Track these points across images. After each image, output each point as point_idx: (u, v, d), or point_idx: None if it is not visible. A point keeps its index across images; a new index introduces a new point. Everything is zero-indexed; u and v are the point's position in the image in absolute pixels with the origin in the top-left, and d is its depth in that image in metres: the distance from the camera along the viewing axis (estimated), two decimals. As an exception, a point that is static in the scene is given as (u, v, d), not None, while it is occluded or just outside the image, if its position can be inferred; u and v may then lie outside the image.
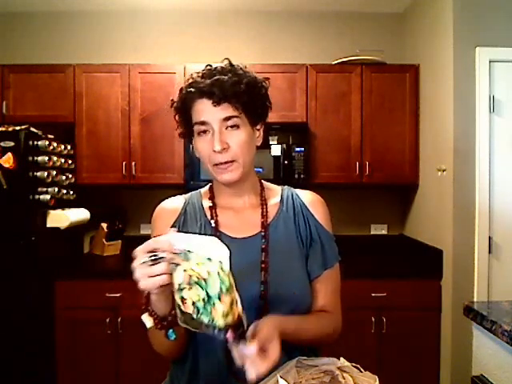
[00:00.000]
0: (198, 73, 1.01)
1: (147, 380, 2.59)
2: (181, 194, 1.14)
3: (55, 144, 2.66)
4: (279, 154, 2.83)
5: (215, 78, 0.96)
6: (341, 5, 3.19)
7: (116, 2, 3.11)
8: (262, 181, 1.14)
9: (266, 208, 1.07)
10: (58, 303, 2.61)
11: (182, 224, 1.05)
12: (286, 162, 2.84)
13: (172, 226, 1.03)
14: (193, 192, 1.14)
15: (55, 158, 2.63)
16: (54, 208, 2.64)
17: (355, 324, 2.53)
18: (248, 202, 1.08)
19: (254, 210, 1.07)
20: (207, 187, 1.13)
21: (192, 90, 0.97)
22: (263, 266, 0.99)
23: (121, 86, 2.91)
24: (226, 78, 0.96)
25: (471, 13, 2.49)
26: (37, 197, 2.51)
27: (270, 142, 2.82)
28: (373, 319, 2.61)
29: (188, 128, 1.02)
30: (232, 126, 0.97)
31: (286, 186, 1.15)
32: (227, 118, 0.96)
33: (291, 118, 2.89)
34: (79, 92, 2.91)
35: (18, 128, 2.48)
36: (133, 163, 2.91)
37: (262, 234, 1.03)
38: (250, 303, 0.92)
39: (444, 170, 2.59)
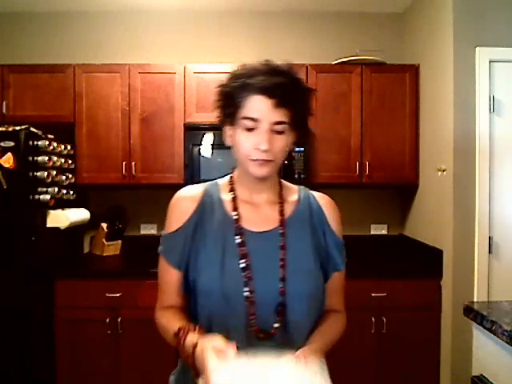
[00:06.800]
0: (253, 67, 1.00)
1: (147, 380, 2.59)
2: None
3: (55, 144, 2.66)
4: (279, 153, 2.83)
5: (277, 77, 0.96)
6: (341, 5, 3.19)
7: (116, 2, 3.11)
8: (281, 180, 1.15)
9: (284, 206, 1.09)
10: (58, 303, 2.61)
11: (201, 215, 1.06)
12: (285, 162, 2.83)
13: (191, 216, 1.04)
14: (209, 183, 1.13)
15: (55, 158, 2.63)
16: (54, 208, 2.64)
17: (355, 324, 2.50)
18: (266, 198, 1.09)
19: (272, 207, 1.09)
20: (226, 180, 1.13)
21: (252, 82, 0.96)
22: (282, 263, 1.01)
23: (121, 86, 2.91)
24: (287, 80, 0.97)
25: (471, 13, 2.49)
26: (37, 197, 2.51)
27: (270, 142, 2.81)
28: (373, 319, 2.60)
29: (228, 116, 1.02)
30: (279, 132, 0.98)
31: (302, 186, 1.17)
32: (278, 123, 0.97)
33: (291, 117, 2.89)
34: (79, 92, 2.90)
35: (18, 128, 2.48)
36: (133, 163, 2.91)
37: (280, 231, 1.05)
38: (270, 299, 0.98)
39: (444, 170, 2.59)
